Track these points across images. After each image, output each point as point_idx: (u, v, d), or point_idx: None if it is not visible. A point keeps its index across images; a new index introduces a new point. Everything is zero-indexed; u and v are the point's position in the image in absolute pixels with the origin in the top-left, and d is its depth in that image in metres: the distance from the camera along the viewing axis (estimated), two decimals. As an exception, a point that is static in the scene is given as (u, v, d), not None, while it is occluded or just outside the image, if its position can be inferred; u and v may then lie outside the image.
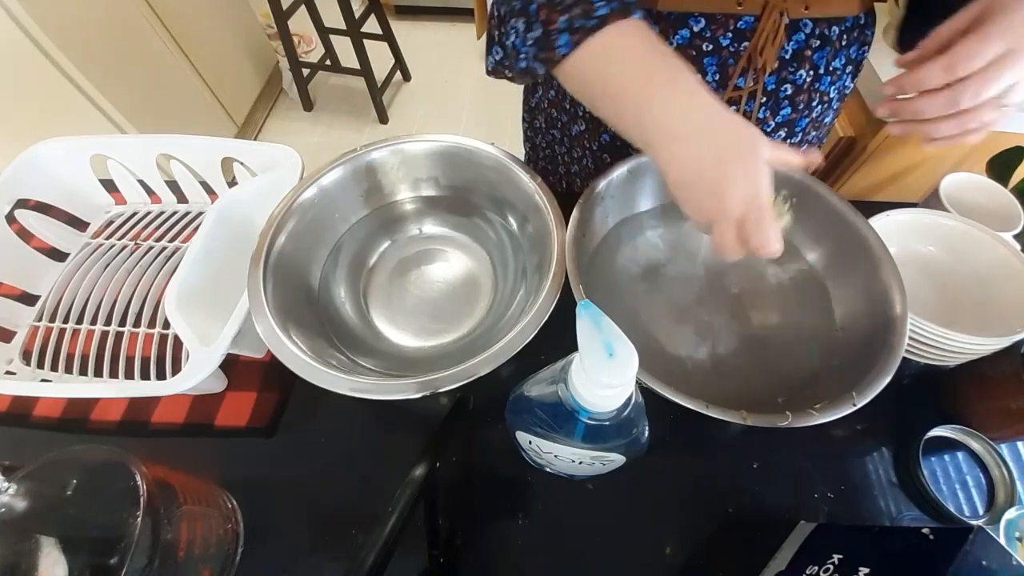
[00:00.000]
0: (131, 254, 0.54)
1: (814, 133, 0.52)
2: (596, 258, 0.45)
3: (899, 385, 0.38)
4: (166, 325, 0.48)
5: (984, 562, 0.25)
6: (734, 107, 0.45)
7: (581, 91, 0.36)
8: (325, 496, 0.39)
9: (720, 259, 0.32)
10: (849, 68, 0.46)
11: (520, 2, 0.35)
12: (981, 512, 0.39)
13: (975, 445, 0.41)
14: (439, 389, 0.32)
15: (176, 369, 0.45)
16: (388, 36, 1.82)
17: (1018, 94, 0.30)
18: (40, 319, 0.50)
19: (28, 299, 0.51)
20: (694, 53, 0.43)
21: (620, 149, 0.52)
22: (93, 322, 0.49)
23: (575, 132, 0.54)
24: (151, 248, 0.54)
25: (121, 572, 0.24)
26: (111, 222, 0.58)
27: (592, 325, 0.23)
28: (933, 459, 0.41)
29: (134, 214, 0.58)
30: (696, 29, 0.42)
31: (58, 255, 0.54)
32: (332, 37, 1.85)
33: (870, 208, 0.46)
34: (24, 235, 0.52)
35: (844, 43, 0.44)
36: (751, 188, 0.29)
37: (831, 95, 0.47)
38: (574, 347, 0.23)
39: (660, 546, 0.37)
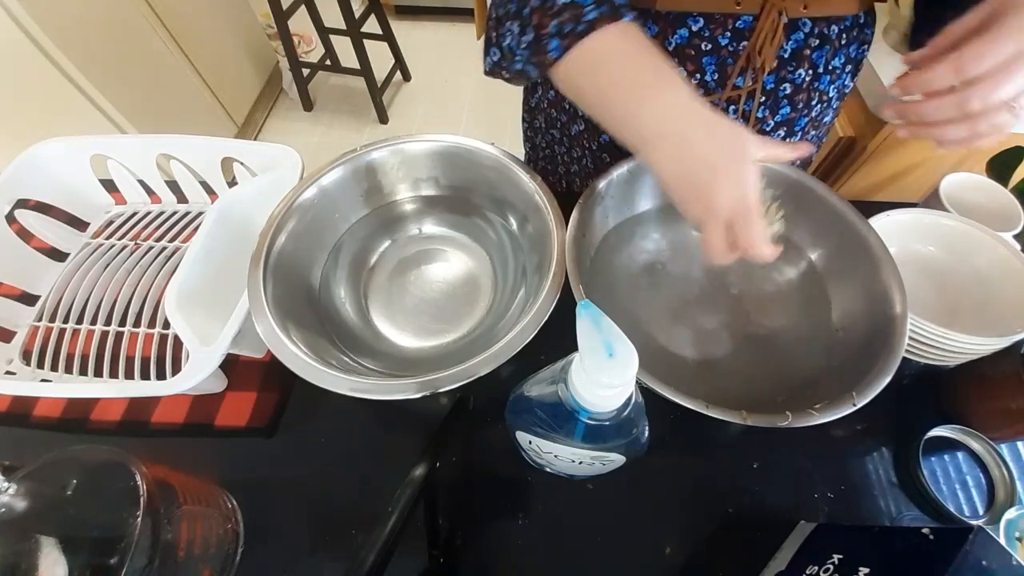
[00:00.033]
0: (131, 254, 0.54)
1: (813, 132, 0.52)
2: (596, 258, 0.45)
3: (899, 385, 0.38)
4: (166, 325, 0.48)
5: (984, 562, 0.25)
6: (733, 106, 0.45)
7: (573, 93, 0.37)
8: (325, 496, 0.39)
9: (710, 263, 0.33)
10: (849, 67, 0.46)
11: (515, 5, 0.35)
12: (981, 512, 0.39)
13: (975, 445, 0.41)
14: (439, 389, 0.32)
15: (176, 369, 0.45)
16: (388, 36, 1.82)
17: None
18: (40, 319, 0.50)
19: (28, 299, 0.51)
20: (693, 52, 0.43)
21: (619, 149, 0.52)
22: (93, 322, 0.49)
23: (575, 132, 0.54)
24: (151, 248, 0.54)
25: (121, 572, 0.24)
26: (111, 222, 0.58)
27: (592, 325, 0.23)
28: (933, 459, 0.41)
29: (134, 214, 0.58)
30: (695, 29, 0.42)
31: (58, 255, 0.54)
32: (332, 37, 1.85)
33: (870, 208, 0.46)
34: (24, 235, 0.52)
35: (843, 42, 0.44)
36: (739, 189, 0.30)
37: (830, 94, 0.47)
38: (574, 347, 0.23)
39: (660, 546, 0.37)
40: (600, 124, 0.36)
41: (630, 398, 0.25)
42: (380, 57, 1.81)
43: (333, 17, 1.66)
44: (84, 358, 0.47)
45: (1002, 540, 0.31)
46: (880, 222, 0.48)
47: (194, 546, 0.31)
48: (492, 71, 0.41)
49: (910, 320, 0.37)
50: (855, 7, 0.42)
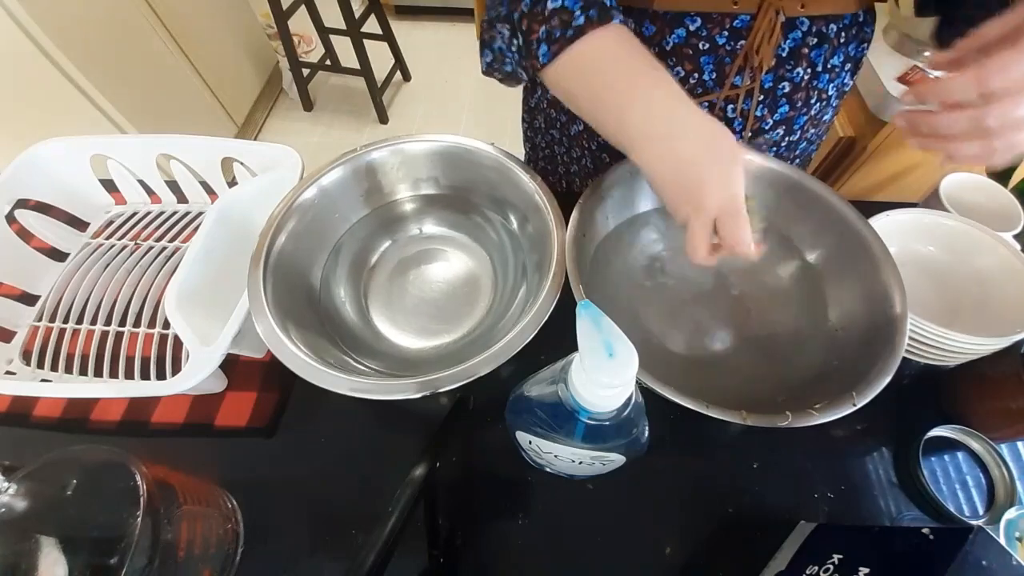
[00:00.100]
0: (131, 254, 0.54)
1: (813, 131, 0.52)
2: (596, 258, 0.45)
3: (899, 385, 0.38)
4: (166, 325, 0.48)
5: (984, 562, 0.25)
6: (731, 105, 0.45)
7: (564, 97, 0.37)
8: (325, 496, 0.39)
9: (694, 263, 0.33)
10: (848, 66, 0.46)
11: (505, 9, 0.36)
12: (981, 512, 0.39)
13: (975, 445, 0.41)
14: (439, 389, 0.32)
15: (176, 369, 0.45)
16: (388, 36, 1.82)
17: None
18: (40, 319, 0.50)
19: (28, 299, 0.51)
20: (690, 52, 0.43)
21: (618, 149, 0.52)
22: (93, 322, 0.49)
23: (574, 132, 0.54)
24: (151, 248, 0.54)
25: (121, 572, 0.24)
26: (111, 222, 0.58)
27: (592, 325, 0.23)
28: (933, 459, 0.41)
29: (134, 214, 0.58)
30: (692, 28, 0.42)
31: (58, 255, 0.54)
32: (332, 37, 1.85)
33: (870, 208, 0.46)
34: (24, 235, 0.52)
35: (842, 41, 0.44)
36: (727, 187, 0.31)
37: (829, 93, 0.47)
38: (574, 347, 0.23)
39: (660, 546, 0.37)
40: (588, 124, 0.36)
41: (630, 398, 0.25)
42: (380, 57, 1.81)
43: (333, 17, 1.66)
44: (84, 358, 0.47)
45: (1002, 540, 0.31)
46: (880, 222, 0.48)
47: (194, 546, 0.31)
48: (487, 71, 0.42)
49: (910, 320, 0.37)
50: (853, 6, 0.42)
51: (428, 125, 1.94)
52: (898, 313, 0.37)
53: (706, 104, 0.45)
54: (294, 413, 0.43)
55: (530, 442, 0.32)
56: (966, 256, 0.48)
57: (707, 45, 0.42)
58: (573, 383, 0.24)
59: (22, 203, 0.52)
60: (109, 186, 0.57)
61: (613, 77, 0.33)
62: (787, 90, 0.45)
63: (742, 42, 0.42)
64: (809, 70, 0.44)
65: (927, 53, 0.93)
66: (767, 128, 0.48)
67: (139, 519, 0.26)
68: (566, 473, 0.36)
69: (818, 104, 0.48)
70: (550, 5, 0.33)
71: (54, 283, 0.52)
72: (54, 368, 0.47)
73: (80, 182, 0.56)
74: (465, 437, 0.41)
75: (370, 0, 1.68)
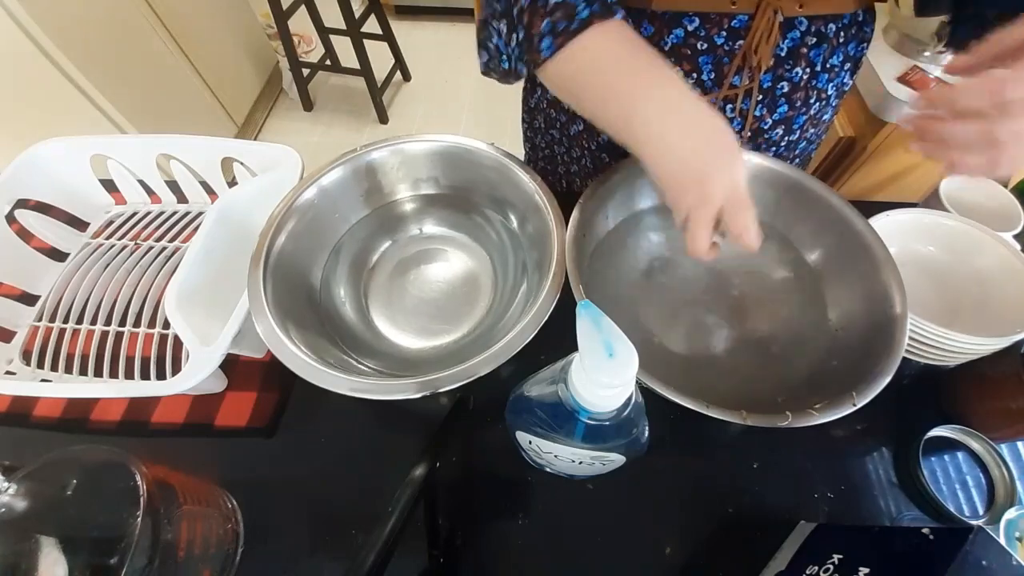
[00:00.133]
0: (131, 254, 0.54)
1: (812, 130, 0.51)
2: (596, 258, 0.45)
3: (899, 385, 0.38)
4: (166, 325, 0.48)
5: (984, 562, 0.25)
6: (730, 105, 0.45)
7: (565, 90, 0.37)
8: (325, 496, 0.39)
9: (694, 257, 0.33)
10: (848, 65, 0.46)
11: (502, 5, 0.35)
12: (981, 512, 0.39)
13: (975, 445, 0.41)
14: (439, 389, 0.32)
15: (176, 369, 0.45)
16: (388, 36, 1.82)
17: None
18: (40, 319, 0.50)
19: (28, 299, 0.51)
20: (689, 52, 0.43)
21: (618, 148, 0.52)
22: (93, 322, 0.49)
23: (574, 132, 0.54)
24: (151, 248, 0.54)
25: (121, 572, 0.24)
26: (111, 222, 0.58)
27: (592, 325, 0.23)
28: (933, 459, 0.41)
29: (134, 214, 0.58)
30: (690, 28, 0.42)
31: (58, 255, 0.54)
32: (332, 37, 1.85)
33: (870, 208, 0.46)
34: (24, 235, 0.52)
35: (842, 40, 0.44)
36: (732, 177, 0.31)
37: (829, 92, 0.47)
38: (574, 347, 0.23)
39: (660, 546, 0.37)
40: (589, 119, 0.36)
41: (630, 398, 0.25)
42: (380, 57, 1.81)
43: (333, 17, 1.66)
44: (84, 358, 0.47)
45: (1002, 540, 0.31)
46: (880, 222, 0.48)
47: (194, 546, 0.31)
48: (484, 71, 0.42)
49: (910, 320, 0.37)
50: (852, 5, 0.42)
51: (428, 125, 1.94)
52: (898, 313, 0.37)
53: None
54: (294, 413, 0.43)
55: (530, 442, 0.32)
56: (966, 256, 0.48)
57: (705, 45, 0.42)
58: (573, 383, 0.24)
59: (22, 203, 0.52)
60: (109, 186, 0.57)
61: (617, 70, 0.33)
62: (786, 90, 0.45)
63: (740, 42, 0.42)
64: (808, 70, 0.44)
65: (927, 53, 0.93)
66: (766, 128, 0.48)
67: (139, 519, 0.26)
68: (566, 473, 0.36)
69: (817, 104, 0.48)
70: (552, 0, 0.33)
71: (54, 283, 0.52)
72: (54, 368, 0.47)
73: (80, 182, 0.56)
74: (465, 437, 0.41)
75: (370, 0, 1.68)
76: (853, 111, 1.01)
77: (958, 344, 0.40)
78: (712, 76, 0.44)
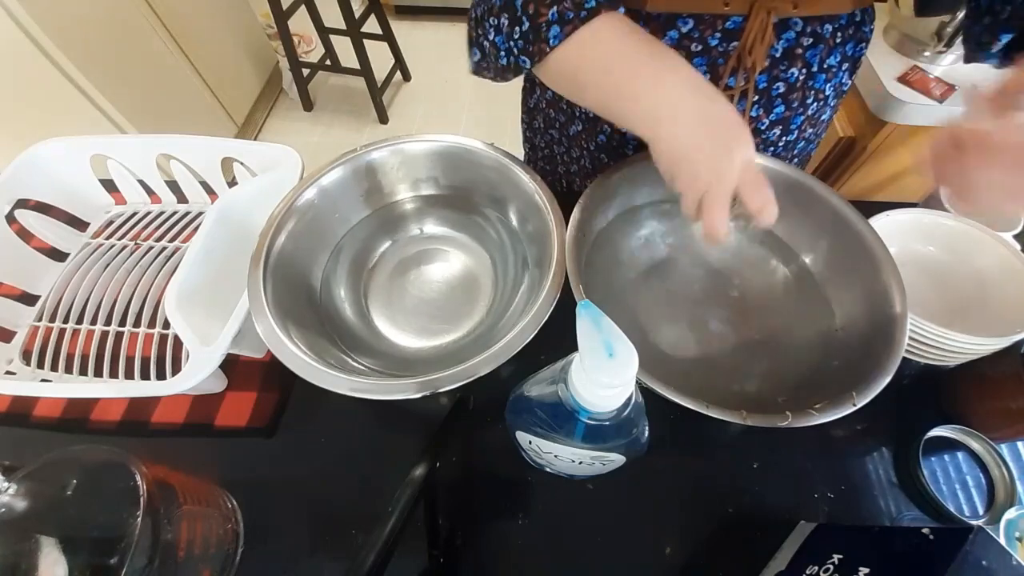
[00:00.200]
0: (131, 254, 0.54)
1: (811, 130, 0.51)
2: (596, 258, 0.45)
3: (899, 385, 0.38)
4: (166, 325, 0.48)
5: (984, 562, 0.25)
6: None
7: (570, 81, 0.36)
8: (325, 496, 0.39)
9: (711, 243, 0.33)
10: (846, 65, 0.46)
11: (500, 0, 0.35)
12: (981, 512, 0.39)
13: (975, 445, 0.41)
14: (439, 389, 0.32)
15: (176, 369, 0.45)
16: (388, 36, 1.82)
17: None
18: (40, 319, 0.50)
19: (28, 299, 0.51)
20: (683, 54, 0.42)
21: (616, 149, 0.52)
22: (93, 322, 0.49)
23: (573, 132, 0.54)
24: (151, 248, 0.54)
25: (121, 572, 0.24)
26: (111, 222, 0.58)
27: (592, 325, 0.23)
28: (933, 459, 0.41)
29: (134, 214, 0.58)
30: (684, 30, 0.42)
31: (58, 255, 0.54)
32: (332, 37, 1.85)
33: (870, 208, 0.46)
34: (24, 235, 0.52)
35: (839, 40, 0.43)
36: (746, 153, 0.31)
37: (827, 92, 0.47)
38: (574, 347, 0.23)
39: (660, 546, 0.37)
40: (591, 108, 0.36)
41: (630, 398, 0.25)
42: (380, 57, 1.81)
43: (333, 17, 1.66)
44: (84, 358, 0.47)
45: (1002, 540, 0.31)
46: (880, 222, 0.48)
47: (194, 546, 0.31)
48: (476, 71, 0.42)
49: (910, 320, 0.37)
50: (848, 6, 0.42)
51: (428, 125, 1.94)
52: (898, 313, 0.37)
53: None
54: (294, 413, 0.43)
55: (530, 442, 0.32)
56: (966, 256, 0.48)
57: (700, 47, 0.42)
58: (573, 383, 0.24)
59: (22, 203, 0.52)
60: (109, 186, 0.57)
61: (626, 55, 0.33)
62: (782, 90, 0.45)
63: (735, 43, 0.42)
64: (804, 70, 0.44)
65: (927, 53, 0.93)
66: (763, 128, 0.48)
67: (139, 519, 0.26)
68: (566, 473, 0.36)
69: (815, 104, 0.48)
70: None
71: (54, 283, 0.52)
72: (54, 368, 0.47)
73: (80, 182, 0.56)
74: (465, 437, 0.41)
75: (370, 0, 1.68)
76: (853, 111, 1.01)
77: (958, 344, 0.40)
78: (707, 77, 0.44)
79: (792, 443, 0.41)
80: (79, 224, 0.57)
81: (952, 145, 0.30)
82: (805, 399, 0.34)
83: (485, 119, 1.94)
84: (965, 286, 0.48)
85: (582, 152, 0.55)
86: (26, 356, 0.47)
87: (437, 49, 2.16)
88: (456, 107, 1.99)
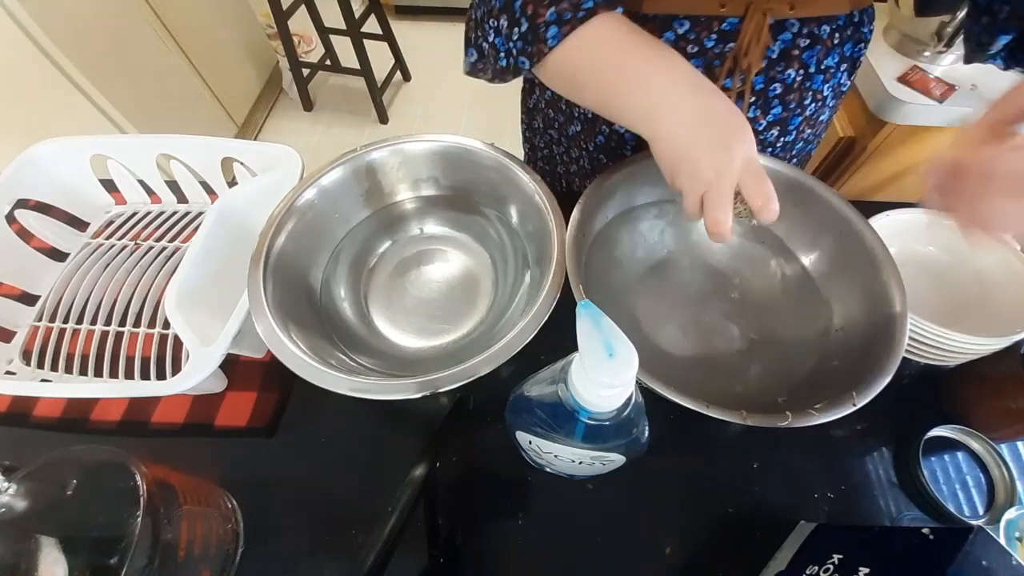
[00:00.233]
0: (131, 254, 0.54)
1: (809, 131, 0.51)
2: (596, 258, 0.45)
3: (899, 385, 0.38)
4: (166, 325, 0.48)
5: (984, 562, 0.25)
6: None
7: (569, 81, 0.37)
8: (325, 496, 0.39)
9: (715, 241, 0.33)
10: (844, 66, 0.46)
11: (500, 2, 0.35)
12: (981, 512, 0.39)
13: (975, 445, 0.41)
14: (439, 389, 0.32)
15: (176, 369, 0.45)
16: (388, 36, 1.82)
17: None
18: (40, 319, 0.50)
19: (28, 299, 0.51)
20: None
21: (615, 150, 0.52)
22: (93, 322, 0.49)
23: (571, 132, 0.54)
24: (151, 248, 0.54)
25: (121, 572, 0.24)
26: (111, 222, 0.58)
27: (592, 325, 0.23)
28: (933, 459, 0.41)
29: (134, 214, 0.58)
30: (680, 32, 0.42)
31: (58, 255, 0.54)
32: (332, 37, 1.85)
33: (870, 208, 0.46)
34: (24, 235, 0.52)
35: (836, 41, 0.43)
36: (746, 149, 0.31)
37: (825, 93, 0.47)
38: (574, 347, 0.23)
39: (660, 546, 0.37)
40: (591, 107, 0.36)
41: (630, 398, 0.25)
42: (380, 57, 1.81)
43: (333, 17, 1.66)
44: (84, 358, 0.47)
45: (1002, 540, 0.31)
46: (880, 222, 0.48)
47: (194, 546, 0.31)
48: (470, 71, 0.42)
49: (910, 320, 0.37)
50: (846, 6, 0.42)
51: (428, 125, 1.94)
52: (898, 313, 0.37)
53: None
54: (294, 413, 0.43)
55: (530, 442, 0.32)
56: (966, 256, 0.48)
57: (695, 48, 0.42)
58: (573, 383, 0.24)
59: (22, 203, 0.52)
60: (109, 186, 0.57)
61: (625, 53, 0.33)
62: (779, 91, 0.45)
63: (731, 45, 0.42)
64: (801, 71, 0.44)
65: (927, 53, 0.93)
66: (760, 129, 0.48)
67: (139, 519, 0.26)
68: (566, 473, 0.36)
69: (813, 105, 0.48)
70: None
71: (54, 283, 0.52)
72: (54, 368, 0.47)
73: (80, 182, 0.56)
74: (465, 437, 0.41)
75: (370, 0, 1.68)
76: (853, 111, 1.01)
77: (958, 344, 0.40)
78: None
79: (792, 443, 0.41)
80: (79, 224, 0.57)
81: (953, 176, 0.29)
82: (805, 399, 0.34)
83: (485, 119, 1.94)
84: (965, 286, 0.48)
85: (581, 152, 0.55)
86: (26, 356, 0.47)
87: (437, 49, 2.16)
88: (456, 107, 1.99)
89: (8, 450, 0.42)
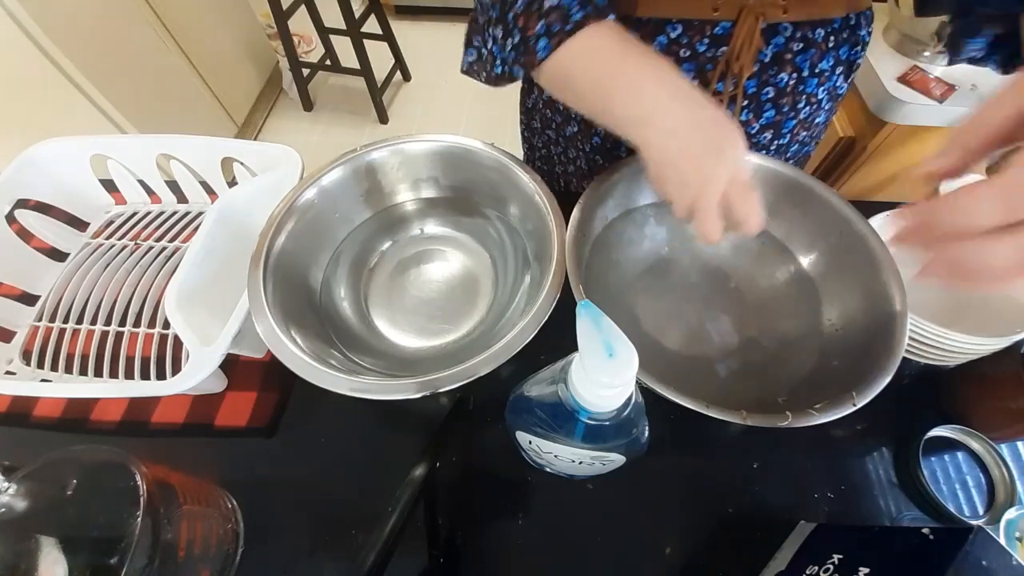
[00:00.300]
0: (131, 254, 0.54)
1: (804, 133, 0.51)
2: (596, 258, 0.45)
3: (899, 385, 0.38)
4: (166, 325, 0.48)
5: (984, 562, 0.25)
6: None
7: (563, 89, 0.37)
8: (325, 496, 0.39)
9: (704, 243, 0.33)
10: (840, 69, 0.46)
11: (497, 11, 0.36)
12: (981, 512, 0.39)
13: (975, 445, 0.41)
14: (439, 389, 0.32)
15: (176, 369, 0.45)
16: (388, 36, 1.82)
17: None
18: (40, 319, 0.50)
19: (28, 299, 0.51)
20: (671, 59, 0.43)
21: (611, 152, 0.52)
22: (93, 322, 0.49)
23: (569, 133, 0.55)
24: (151, 248, 0.54)
25: (121, 572, 0.24)
26: (111, 222, 0.58)
27: (592, 325, 0.23)
28: (933, 459, 0.41)
29: (134, 214, 0.58)
30: (673, 36, 0.42)
31: (58, 255, 0.54)
32: (332, 37, 1.85)
33: (870, 208, 0.46)
34: (24, 235, 0.52)
35: (831, 45, 0.43)
36: (735, 160, 0.31)
37: (820, 96, 0.47)
38: (574, 347, 0.23)
39: (660, 546, 0.37)
40: (587, 115, 0.36)
41: (630, 398, 0.25)
42: (380, 57, 1.81)
43: (333, 17, 1.66)
44: (84, 358, 0.47)
45: (1002, 540, 0.31)
46: (880, 222, 0.48)
47: (194, 546, 0.31)
48: (467, 70, 0.42)
49: (910, 320, 0.37)
50: (840, 10, 0.42)
51: (428, 125, 1.94)
52: (898, 312, 0.37)
53: None
54: (294, 413, 0.43)
55: (530, 442, 0.32)
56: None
57: (688, 52, 0.42)
58: (573, 383, 0.24)
59: (22, 203, 0.52)
60: (109, 186, 0.57)
61: (615, 62, 0.33)
62: (772, 95, 0.45)
63: (723, 49, 0.42)
64: (795, 75, 0.44)
65: (927, 53, 0.93)
66: (753, 132, 0.48)
67: (139, 519, 0.26)
68: (566, 473, 0.36)
69: (807, 108, 0.47)
70: (547, 4, 0.33)
71: (54, 283, 0.52)
72: (54, 368, 0.47)
73: (80, 182, 0.56)
74: (465, 437, 0.41)
75: (370, 0, 1.68)
76: (853, 111, 1.01)
77: (958, 344, 0.40)
78: (695, 83, 0.44)
79: (792, 443, 0.41)
80: (79, 224, 0.57)
81: (921, 237, 0.22)
82: (805, 399, 0.34)
83: (485, 119, 1.94)
84: (965, 286, 0.48)
85: (578, 153, 0.55)
86: (26, 356, 0.47)
87: (437, 49, 2.16)
88: (456, 107, 1.99)
89: (8, 450, 0.42)
